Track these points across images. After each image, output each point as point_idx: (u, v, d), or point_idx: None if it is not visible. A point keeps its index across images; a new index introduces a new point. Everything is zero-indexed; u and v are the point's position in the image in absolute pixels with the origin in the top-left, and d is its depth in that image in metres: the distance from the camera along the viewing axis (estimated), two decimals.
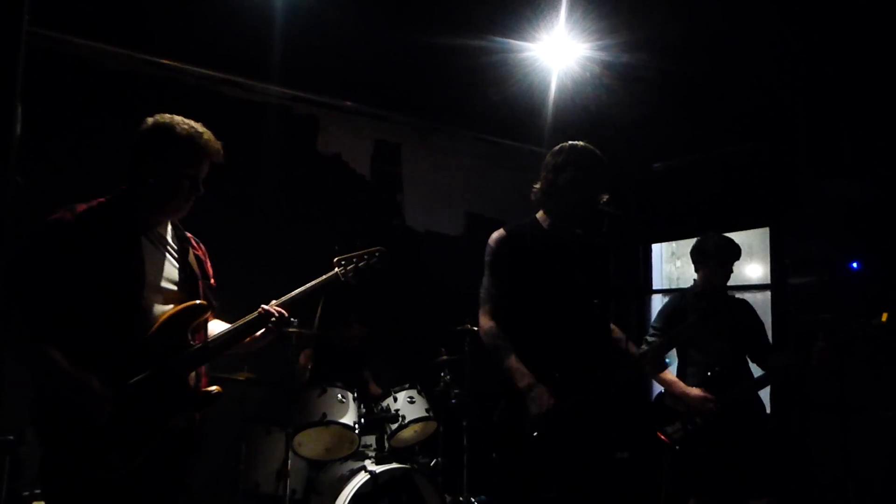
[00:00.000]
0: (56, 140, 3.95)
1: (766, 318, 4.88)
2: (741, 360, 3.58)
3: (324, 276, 2.37)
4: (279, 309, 2.25)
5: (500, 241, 2.72)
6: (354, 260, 2.43)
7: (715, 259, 3.62)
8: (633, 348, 3.05)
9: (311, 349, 4.40)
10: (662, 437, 3.49)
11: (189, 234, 2.29)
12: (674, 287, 6.03)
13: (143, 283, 2.02)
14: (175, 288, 2.11)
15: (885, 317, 3.11)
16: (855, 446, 3.92)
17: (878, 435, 4.12)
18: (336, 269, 2.39)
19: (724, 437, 3.37)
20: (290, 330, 3.75)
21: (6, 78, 1.43)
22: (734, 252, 3.63)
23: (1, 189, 1.50)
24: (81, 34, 4.09)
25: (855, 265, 4.43)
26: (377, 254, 2.47)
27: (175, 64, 4.44)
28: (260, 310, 2.24)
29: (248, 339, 2.26)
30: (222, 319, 2.34)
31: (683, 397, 3.44)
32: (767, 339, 3.69)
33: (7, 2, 1.49)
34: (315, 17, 3.89)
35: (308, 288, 2.33)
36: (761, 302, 5.03)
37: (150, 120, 2.11)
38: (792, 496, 3.93)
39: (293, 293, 2.32)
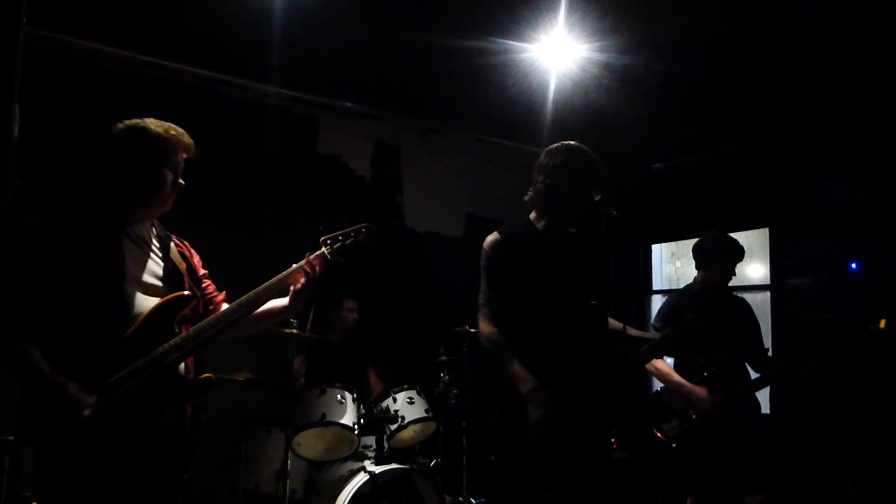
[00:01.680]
0: (55, 141, 3.95)
1: (766, 318, 4.89)
2: (738, 359, 3.58)
3: (310, 255, 2.30)
4: (315, 263, 2.25)
5: (494, 244, 2.72)
6: (340, 238, 2.35)
7: (717, 260, 3.61)
8: (633, 332, 3.04)
9: (304, 354, 4.40)
10: (658, 434, 3.49)
11: (172, 235, 2.29)
12: (674, 288, 6.03)
13: (123, 277, 2.03)
14: (160, 283, 2.12)
15: (882, 323, 3.11)
16: (855, 446, 3.93)
17: (879, 434, 4.12)
18: (322, 249, 2.31)
19: (720, 435, 3.37)
20: (286, 331, 3.74)
21: (4, 79, 1.43)
22: (737, 253, 3.61)
23: None
24: (81, 34, 4.10)
25: (854, 266, 4.43)
26: (364, 230, 2.37)
27: (175, 65, 4.44)
28: (306, 259, 2.26)
29: (272, 308, 2.26)
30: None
31: (689, 397, 3.43)
32: (762, 343, 3.67)
33: (5, 2, 1.49)
34: (314, 18, 3.89)
35: (294, 269, 2.26)
36: (761, 302, 5.03)
37: (120, 125, 2.15)
38: (790, 493, 3.93)
39: (280, 275, 2.25)
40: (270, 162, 4.84)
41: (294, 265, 2.26)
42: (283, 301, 2.28)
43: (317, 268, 2.26)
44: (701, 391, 3.42)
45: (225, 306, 2.25)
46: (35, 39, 3.79)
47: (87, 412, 1.87)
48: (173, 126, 2.18)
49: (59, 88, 4.03)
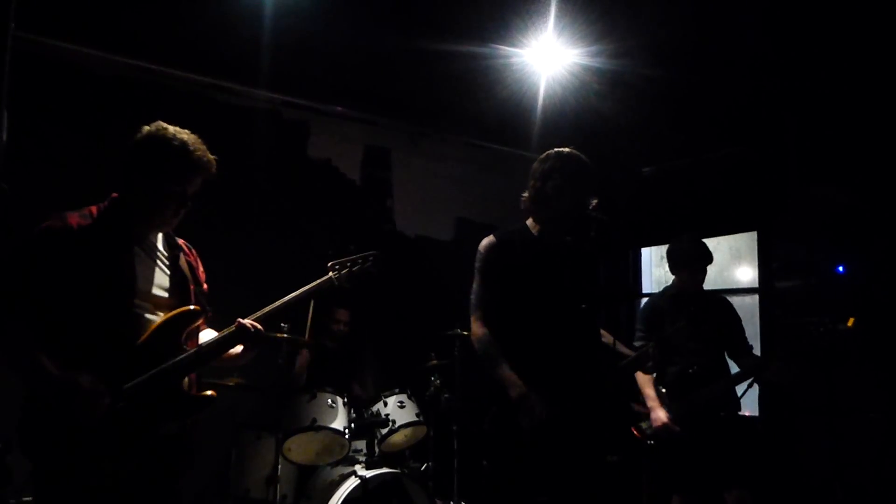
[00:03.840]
0: (45, 146, 3.93)
1: (754, 321, 4.92)
2: (720, 358, 3.62)
3: (317, 281, 2.36)
4: (255, 324, 2.20)
5: (489, 247, 2.73)
6: (348, 264, 2.42)
7: (685, 266, 3.67)
8: (623, 349, 3.07)
9: (308, 351, 4.38)
10: (636, 432, 3.54)
11: (181, 241, 2.28)
12: None
13: (132, 290, 2.02)
14: (166, 294, 2.12)
15: (851, 322, 3.15)
16: (843, 448, 3.96)
17: (866, 437, 4.15)
18: (330, 274, 2.38)
19: (697, 433, 3.42)
20: (280, 336, 3.74)
21: None
22: (703, 259, 3.66)
23: None
24: (70, 39, 4.08)
25: (841, 269, 4.48)
26: (371, 258, 2.47)
27: (165, 69, 4.43)
28: (236, 323, 2.20)
29: (228, 353, 2.23)
30: (214, 327, 2.32)
31: (650, 413, 3.49)
32: (745, 338, 3.71)
33: None
34: (305, 23, 3.89)
35: (302, 292, 2.31)
36: (749, 305, 5.07)
37: (145, 128, 2.08)
38: (768, 489, 3.97)
39: (286, 298, 2.29)
40: (260, 166, 4.83)
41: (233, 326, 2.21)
42: (237, 349, 2.27)
43: (255, 330, 2.20)
44: (659, 414, 3.47)
45: (206, 331, 2.27)
46: (23, 43, 3.77)
47: (106, 401, 1.87)
48: (196, 144, 2.09)
49: (47, 93, 4.01)
